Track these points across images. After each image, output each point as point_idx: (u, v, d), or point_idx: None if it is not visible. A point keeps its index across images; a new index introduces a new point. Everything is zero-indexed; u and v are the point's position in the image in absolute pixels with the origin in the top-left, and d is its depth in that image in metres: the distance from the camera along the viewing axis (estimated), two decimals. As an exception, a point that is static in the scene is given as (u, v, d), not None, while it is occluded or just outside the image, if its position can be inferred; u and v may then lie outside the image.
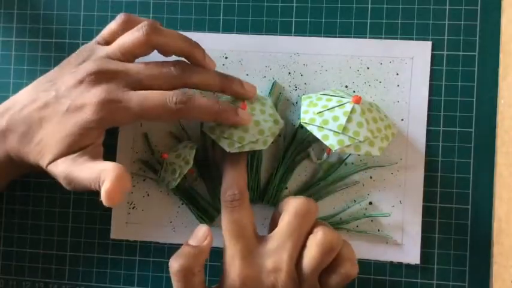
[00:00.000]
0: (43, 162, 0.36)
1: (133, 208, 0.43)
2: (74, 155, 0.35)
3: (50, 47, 0.45)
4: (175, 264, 0.34)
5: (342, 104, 0.37)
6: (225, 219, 0.36)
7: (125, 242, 0.43)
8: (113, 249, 0.44)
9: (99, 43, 0.39)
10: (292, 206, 0.35)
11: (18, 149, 0.36)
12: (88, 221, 0.44)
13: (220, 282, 0.36)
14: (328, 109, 0.37)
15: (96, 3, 0.44)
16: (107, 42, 0.38)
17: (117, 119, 0.36)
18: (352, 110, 0.37)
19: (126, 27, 0.38)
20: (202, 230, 0.36)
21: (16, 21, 0.45)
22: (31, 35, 0.45)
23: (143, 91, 0.36)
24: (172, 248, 0.43)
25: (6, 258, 0.44)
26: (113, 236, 0.43)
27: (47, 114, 0.36)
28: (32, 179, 0.44)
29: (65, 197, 0.44)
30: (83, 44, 0.40)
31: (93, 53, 0.38)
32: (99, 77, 0.36)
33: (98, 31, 0.39)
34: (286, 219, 0.35)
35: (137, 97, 0.35)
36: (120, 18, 0.38)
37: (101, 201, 0.31)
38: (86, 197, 0.44)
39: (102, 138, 0.37)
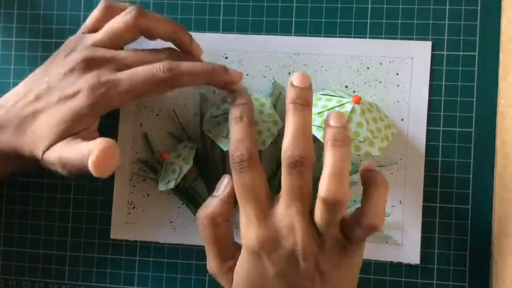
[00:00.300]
0: (38, 152, 0.36)
1: (133, 208, 0.43)
2: (67, 139, 0.35)
3: (50, 47, 0.45)
4: (199, 213, 0.35)
5: (341, 104, 0.37)
6: (236, 182, 0.34)
7: (125, 242, 0.43)
8: (113, 249, 0.44)
9: (84, 33, 0.39)
10: (284, 159, 0.32)
11: (12, 142, 0.37)
12: (88, 221, 0.44)
13: (242, 248, 0.34)
14: (328, 109, 0.37)
15: (96, 3, 0.44)
16: (92, 30, 0.39)
17: (109, 101, 0.36)
18: (352, 110, 0.37)
19: (108, 13, 0.39)
20: (224, 180, 0.36)
21: (16, 21, 0.45)
22: (31, 35, 0.45)
23: (132, 69, 0.36)
24: (172, 248, 0.43)
25: (6, 258, 0.44)
26: (113, 236, 0.43)
27: (39, 106, 0.36)
28: (32, 179, 0.44)
29: (65, 197, 0.44)
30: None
31: (80, 43, 0.38)
32: (89, 63, 0.36)
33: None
34: (283, 174, 0.33)
35: (126, 74, 0.36)
36: (102, 4, 0.39)
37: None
38: (86, 197, 0.44)
39: (97, 123, 0.37)
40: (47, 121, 0.36)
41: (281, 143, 0.41)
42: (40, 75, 0.38)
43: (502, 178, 0.40)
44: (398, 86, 0.41)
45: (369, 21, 0.42)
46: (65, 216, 0.44)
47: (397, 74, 0.41)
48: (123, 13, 0.37)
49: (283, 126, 0.41)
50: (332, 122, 0.32)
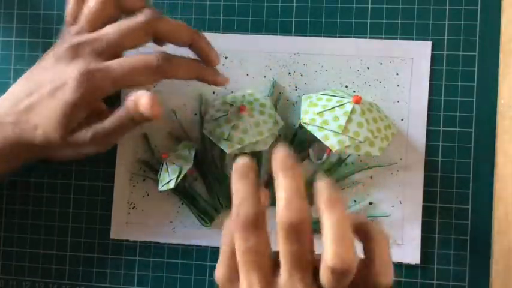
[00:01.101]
0: (55, 139, 0.36)
1: (133, 208, 0.43)
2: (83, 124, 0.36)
3: (50, 47, 0.44)
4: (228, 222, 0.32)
5: (342, 104, 0.37)
6: (240, 245, 0.29)
7: (125, 242, 0.43)
8: (113, 249, 0.44)
9: (68, 22, 0.39)
10: (278, 222, 0.28)
11: (16, 138, 0.37)
12: (88, 221, 0.44)
13: None
14: (328, 109, 0.37)
15: (96, 3, 0.44)
16: (75, 18, 0.38)
17: (99, 89, 0.35)
18: (352, 110, 0.37)
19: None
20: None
21: (16, 21, 0.45)
22: (31, 35, 0.45)
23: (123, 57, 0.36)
24: (172, 248, 0.43)
25: (6, 258, 0.44)
26: (112, 236, 0.43)
27: (33, 100, 0.36)
28: (32, 179, 0.44)
29: (65, 197, 0.44)
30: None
31: (68, 33, 0.38)
32: (75, 50, 0.36)
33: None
34: (280, 240, 0.29)
35: (117, 61, 0.36)
36: None
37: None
38: (86, 197, 0.44)
39: (102, 105, 0.38)
40: (45, 113, 0.36)
41: (282, 143, 0.42)
42: (33, 71, 0.38)
43: (502, 178, 0.40)
44: (398, 86, 0.41)
45: (369, 21, 0.42)
46: (65, 216, 0.44)
47: (397, 74, 0.41)
48: (138, 15, 0.36)
49: (284, 127, 0.41)
50: (321, 188, 0.28)
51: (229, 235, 0.31)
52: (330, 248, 0.27)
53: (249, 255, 0.29)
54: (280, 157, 0.29)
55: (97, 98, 0.36)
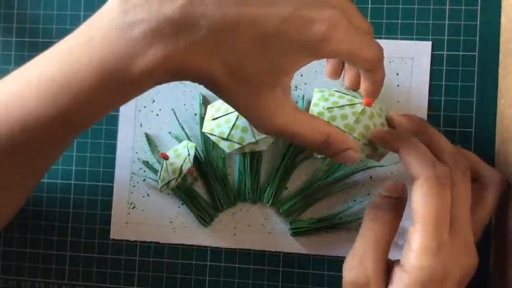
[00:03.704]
0: (274, 122, 0.27)
1: (133, 208, 0.43)
2: (291, 105, 0.28)
3: (50, 47, 0.44)
4: (369, 209, 0.33)
5: (353, 104, 0.37)
6: (433, 199, 0.29)
7: (125, 242, 0.43)
8: (113, 249, 0.44)
9: None
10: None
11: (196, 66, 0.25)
12: (88, 221, 0.44)
13: (401, 281, 0.30)
14: (338, 106, 0.37)
15: (96, 3, 0.44)
16: None
17: (327, 49, 0.26)
18: (362, 112, 0.37)
19: None
20: (399, 184, 0.33)
21: (16, 21, 0.45)
22: (31, 35, 0.45)
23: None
24: (172, 248, 0.43)
25: (6, 258, 0.44)
26: (112, 236, 0.43)
27: (253, 12, 0.24)
28: (32, 179, 0.44)
29: (65, 197, 0.44)
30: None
31: None
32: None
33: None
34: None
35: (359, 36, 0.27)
36: None
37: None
38: (86, 197, 0.44)
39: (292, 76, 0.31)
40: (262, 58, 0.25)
41: (281, 143, 0.42)
42: None
43: (502, 178, 0.39)
44: (398, 86, 0.41)
45: (369, 21, 0.42)
46: (65, 216, 0.44)
47: (397, 74, 0.41)
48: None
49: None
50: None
51: (381, 214, 0.31)
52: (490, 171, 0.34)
53: (444, 212, 0.29)
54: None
55: (304, 63, 0.27)
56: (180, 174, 0.40)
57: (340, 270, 0.32)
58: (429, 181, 0.29)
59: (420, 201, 0.29)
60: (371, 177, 0.41)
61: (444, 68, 0.41)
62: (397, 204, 0.32)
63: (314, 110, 0.38)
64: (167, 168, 0.40)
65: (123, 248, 0.43)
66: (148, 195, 0.43)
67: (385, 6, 0.42)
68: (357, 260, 0.31)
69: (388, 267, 0.31)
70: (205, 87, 0.26)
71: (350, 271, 0.31)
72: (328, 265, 0.42)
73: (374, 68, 0.30)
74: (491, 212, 0.34)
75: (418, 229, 0.29)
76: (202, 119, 0.41)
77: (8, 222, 0.30)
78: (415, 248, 0.29)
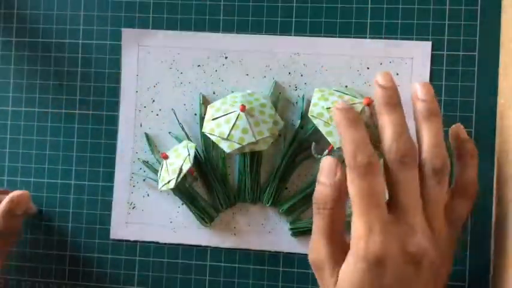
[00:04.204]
0: None
1: (133, 208, 0.43)
2: None
3: (50, 47, 0.45)
4: (315, 197, 0.33)
5: (352, 103, 0.37)
6: (356, 186, 0.31)
7: (125, 242, 0.43)
8: (113, 249, 0.44)
9: None
10: (390, 154, 0.31)
11: None
12: (88, 221, 0.44)
13: (347, 262, 0.31)
14: None
15: (96, 3, 0.44)
16: None
17: None
18: (362, 112, 0.37)
19: None
20: (328, 163, 0.33)
21: (16, 21, 0.45)
22: (31, 35, 0.45)
23: None
24: (172, 248, 0.43)
25: (6, 258, 0.44)
26: (112, 236, 0.43)
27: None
28: (31, 179, 0.44)
29: (65, 196, 0.44)
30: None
31: None
32: None
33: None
34: (391, 173, 0.31)
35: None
36: None
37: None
38: (86, 197, 0.44)
39: None
40: None
41: (281, 143, 0.42)
42: None
43: (502, 178, 0.39)
44: (398, 86, 0.41)
45: (369, 21, 0.42)
46: (65, 216, 0.44)
47: (397, 74, 0.41)
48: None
49: (284, 127, 0.41)
50: (422, 96, 0.33)
51: (329, 201, 0.32)
52: (433, 151, 0.32)
53: (369, 194, 0.31)
54: (386, 92, 0.33)
55: None
56: (180, 174, 0.40)
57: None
58: (350, 169, 0.31)
59: (349, 187, 0.31)
60: (371, 177, 0.41)
61: (444, 68, 0.41)
62: (334, 190, 0.32)
63: (314, 110, 0.38)
64: (167, 168, 0.40)
65: (123, 248, 0.43)
66: (148, 195, 0.43)
67: (385, 6, 0.42)
68: (312, 244, 0.33)
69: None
70: None
71: (310, 253, 0.33)
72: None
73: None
74: (440, 202, 0.33)
75: (353, 212, 0.31)
76: (202, 119, 0.41)
77: None
78: (353, 231, 0.31)
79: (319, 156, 0.41)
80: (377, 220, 0.30)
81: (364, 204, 0.31)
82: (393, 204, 0.31)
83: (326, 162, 0.33)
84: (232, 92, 0.42)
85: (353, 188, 0.31)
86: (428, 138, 0.32)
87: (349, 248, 0.31)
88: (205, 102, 0.42)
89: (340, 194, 0.32)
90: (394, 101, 0.33)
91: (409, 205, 0.31)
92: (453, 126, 0.37)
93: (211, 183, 0.42)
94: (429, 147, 0.32)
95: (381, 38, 0.42)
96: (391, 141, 0.31)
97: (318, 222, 0.33)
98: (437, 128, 0.32)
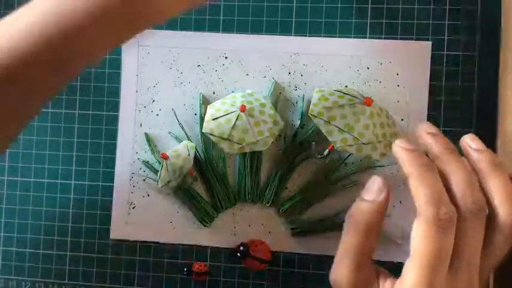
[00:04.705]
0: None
1: (133, 208, 0.43)
2: None
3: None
4: (350, 213, 0.31)
5: (353, 104, 0.37)
6: (431, 240, 0.27)
7: (125, 242, 0.43)
8: (113, 249, 0.44)
9: None
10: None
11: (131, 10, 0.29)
12: (88, 221, 0.44)
13: None
14: (338, 106, 0.37)
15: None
16: None
17: None
18: (362, 111, 0.37)
19: None
20: (376, 182, 0.30)
21: (16, 21, 0.45)
22: (31, 35, 0.45)
23: None
24: (172, 248, 0.43)
25: (6, 258, 0.44)
26: (112, 236, 0.43)
27: None
28: (31, 179, 0.44)
29: (65, 197, 0.44)
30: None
31: None
32: None
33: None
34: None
35: None
36: None
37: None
38: (86, 197, 0.44)
39: None
40: None
41: (281, 143, 0.42)
42: None
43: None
44: (398, 86, 0.41)
45: (369, 21, 0.42)
46: (65, 216, 0.44)
47: (397, 74, 0.41)
48: None
49: (284, 127, 0.41)
50: (479, 146, 0.30)
51: (370, 220, 0.30)
52: (506, 208, 0.28)
53: (443, 254, 0.28)
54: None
55: None
56: (180, 174, 0.40)
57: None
58: (429, 222, 0.27)
59: (418, 239, 0.28)
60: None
61: (444, 68, 0.41)
62: (375, 210, 0.30)
63: (314, 109, 0.38)
64: (167, 168, 0.40)
65: (123, 248, 0.43)
66: (148, 195, 0.43)
67: (385, 6, 0.42)
68: (336, 266, 0.31)
69: (377, 274, 0.31)
70: None
71: (331, 274, 0.31)
72: (328, 265, 0.41)
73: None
74: (501, 257, 0.30)
75: (413, 266, 0.28)
76: (202, 119, 0.41)
77: None
78: (407, 285, 0.29)
79: (319, 156, 0.41)
80: (438, 281, 0.28)
81: (433, 262, 0.28)
82: (454, 257, 0.28)
83: (376, 182, 0.30)
84: (232, 92, 0.42)
85: (424, 243, 0.27)
86: (497, 189, 0.29)
87: (374, 280, 0.30)
88: (205, 102, 0.42)
89: (381, 215, 0.30)
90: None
91: (471, 263, 0.28)
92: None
93: (211, 183, 0.42)
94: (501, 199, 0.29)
95: (380, 38, 0.42)
96: (465, 187, 0.28)
97: (349, 239, 0.30)
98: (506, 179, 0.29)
